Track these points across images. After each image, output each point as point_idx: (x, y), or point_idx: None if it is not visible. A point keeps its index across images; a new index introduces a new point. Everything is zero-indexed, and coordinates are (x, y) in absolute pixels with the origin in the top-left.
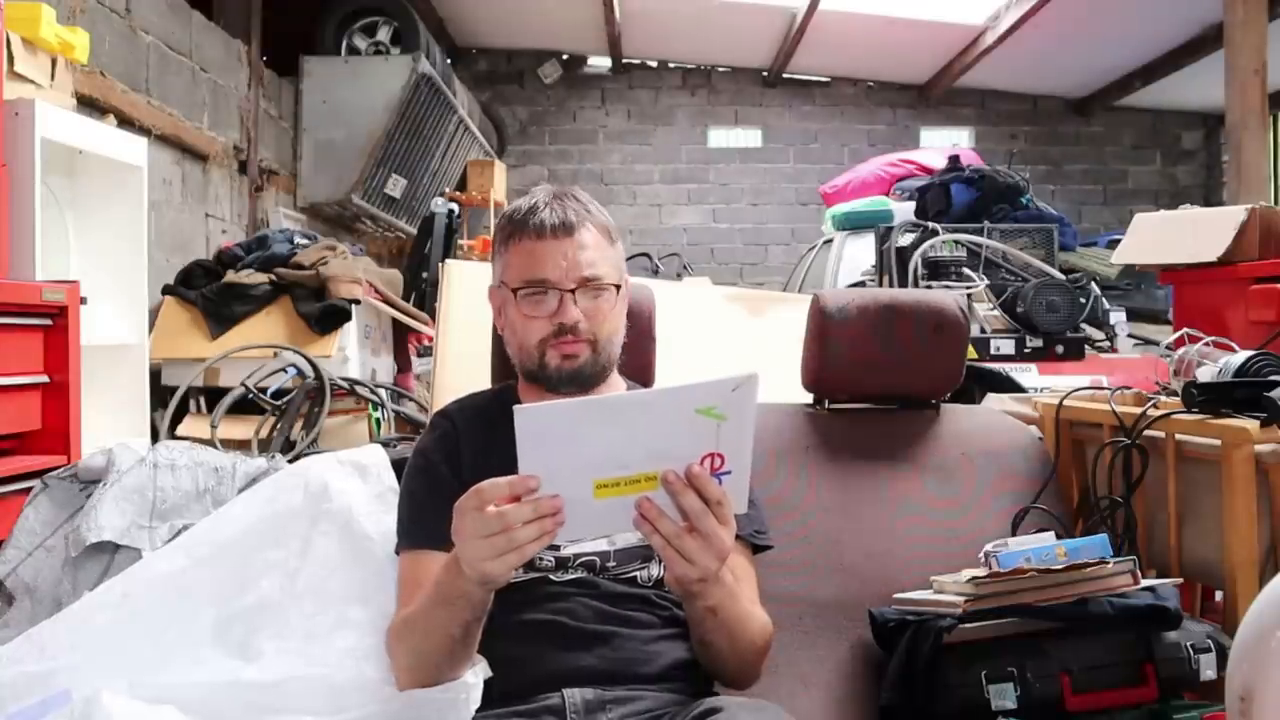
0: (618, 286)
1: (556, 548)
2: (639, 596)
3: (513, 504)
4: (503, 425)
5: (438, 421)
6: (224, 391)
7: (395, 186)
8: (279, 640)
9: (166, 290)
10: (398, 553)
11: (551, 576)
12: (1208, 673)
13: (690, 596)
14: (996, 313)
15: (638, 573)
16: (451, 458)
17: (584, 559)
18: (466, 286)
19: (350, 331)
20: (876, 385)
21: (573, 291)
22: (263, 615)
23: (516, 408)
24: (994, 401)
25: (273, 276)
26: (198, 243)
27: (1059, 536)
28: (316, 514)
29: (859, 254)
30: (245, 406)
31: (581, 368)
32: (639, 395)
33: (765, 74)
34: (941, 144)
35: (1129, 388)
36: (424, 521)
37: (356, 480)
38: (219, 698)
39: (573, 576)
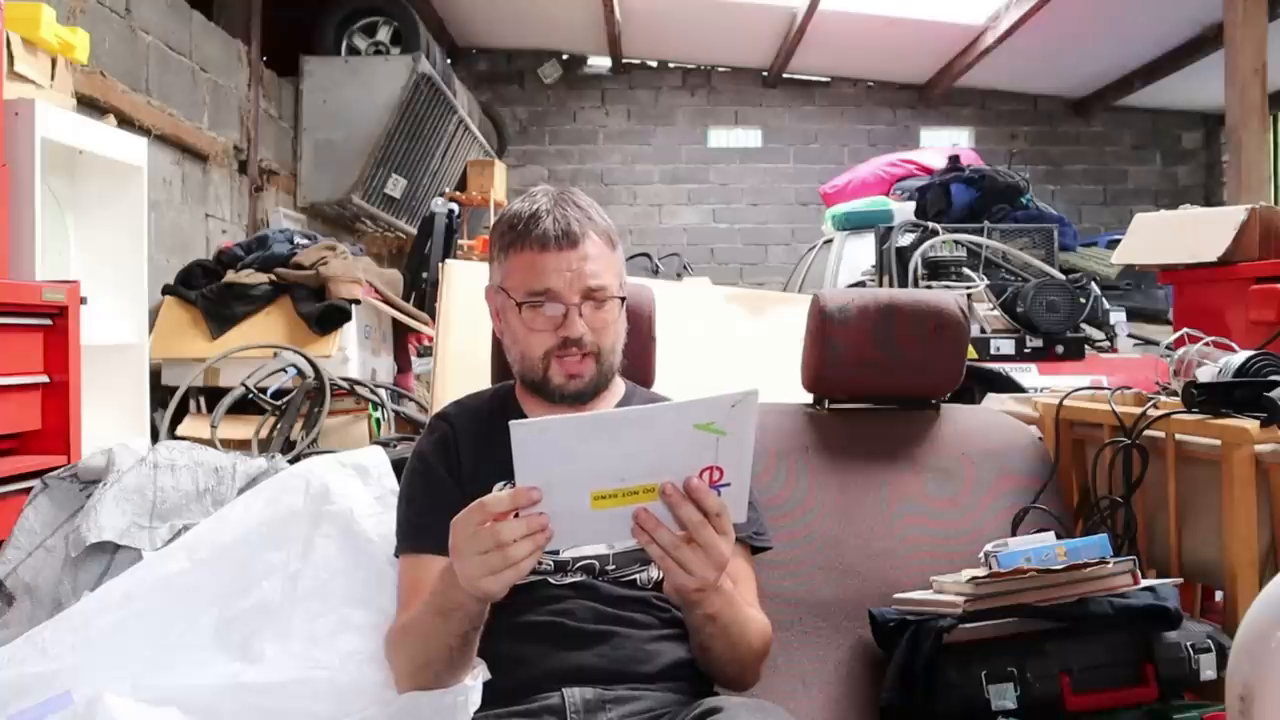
0: (622, 298)
1: (555, 551)
2: (638, 598)
3: (505, 520)
4: (501, 427)
5: (435, 424)
6: (224, 391)
7: (395, 186)
8: (280, 642)
9: (166, 290)
10: (397, 555)
11: (551, 579)
12: (1208, 673)
13: (689, 605)
14: (996, 313)
15: (637, 575)
16: (449, 460)
17: (583, 562)
18: (466, 286)
19: (350, 331)
20: (876, 385)
21: (578, 304)
22: (264, 617)
23: (513, 423)
24: (994, 401)
25: (273, 276)
26: (198, 243)
27: (1059, 536)
28: (318, 516)
29: (859, 254)
30: (245, 406)
31: (585, 388)
32: (637, 412)
33: (765, 74)
34: (941, 144)
35: (1129, 388)
36: (422, 525)
37: (357, 482)
38: (221, 700)
39: (572, 580)
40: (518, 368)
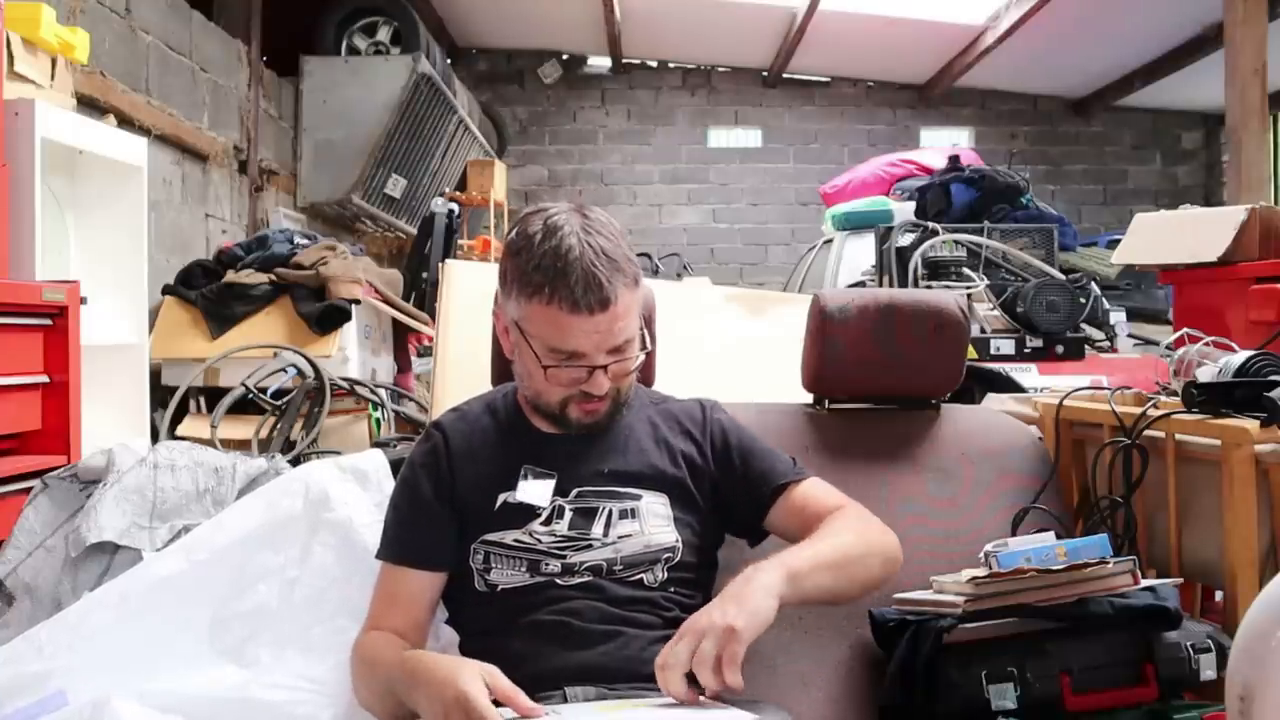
0: (646, 348)
1: (563, 554)
2: (645, 599)
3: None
4: (495, 436)
5: (430, 432)
6: (224, 391)
7: (395, 186)
8: (276, 647)
9: (166, 290)
10: (377, 557)
11: (558, 580)
12: (1208, 673)
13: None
14: (996, 313)
15: (644, 575)
16: (437, 473)
17: (590, 564)
18: (466, 287)
19: (350, 331)
20: (876, 385)
21: (604, 365)
22: (260, 621)
23: None
24: (994, 401)
25: (273, 276)
26: (198, 243)
27: (1059, 536)
28: (316, 523)
29: (859, 254)
30: (245, 406)
31: (600, 421)
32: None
33: (765, 74)
34: (941, 144)
35: (1129, 388)
36: (401, 538)
37: (356, 488)
38: (225, 710)
39: (580, 580)
40: (528, 395)
